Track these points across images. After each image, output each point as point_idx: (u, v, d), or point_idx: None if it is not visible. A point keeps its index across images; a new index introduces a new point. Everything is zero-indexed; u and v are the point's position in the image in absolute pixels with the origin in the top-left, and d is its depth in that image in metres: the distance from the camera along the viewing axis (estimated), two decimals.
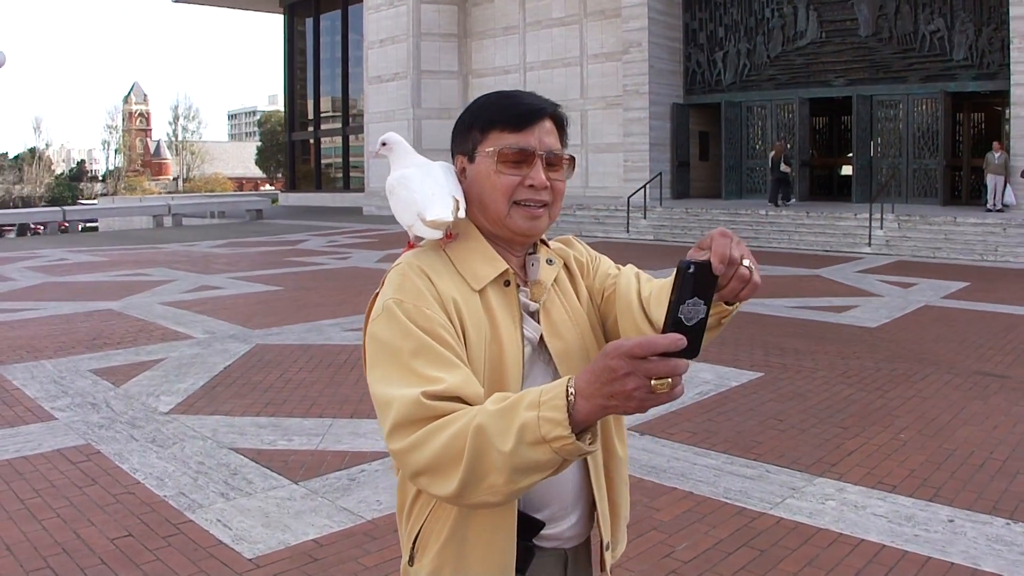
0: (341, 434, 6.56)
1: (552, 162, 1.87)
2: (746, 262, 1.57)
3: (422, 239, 1.88)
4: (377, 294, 1.82)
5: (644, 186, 25.63)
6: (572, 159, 1.93)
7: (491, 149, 1.85)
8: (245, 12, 56.75)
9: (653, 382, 1.35)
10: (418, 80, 36.62)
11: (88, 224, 43.15)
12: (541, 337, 1.88)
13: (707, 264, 1.47)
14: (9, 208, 59.27)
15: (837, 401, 7.47)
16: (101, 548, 4.62)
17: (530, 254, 1.98)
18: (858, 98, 26.29)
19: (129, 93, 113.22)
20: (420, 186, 1.88)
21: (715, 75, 29.59)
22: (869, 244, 20.60)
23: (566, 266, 2.04)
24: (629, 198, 25.28)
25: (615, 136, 31.11)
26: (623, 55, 29.42)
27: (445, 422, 1.54)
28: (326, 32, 48.04)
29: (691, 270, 1.43)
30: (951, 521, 4.88)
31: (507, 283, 1.87)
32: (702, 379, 8.10)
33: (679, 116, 29.64)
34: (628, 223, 25.12)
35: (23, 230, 37.25)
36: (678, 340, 1.35)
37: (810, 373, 8.45)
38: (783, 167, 25.19)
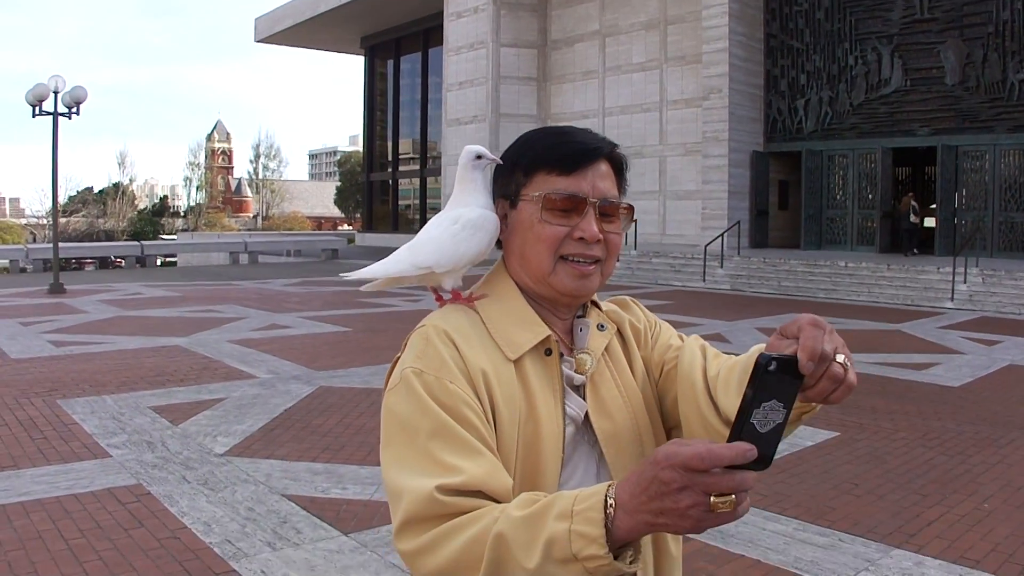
0: None
1: (607, 211, 1.62)
2: (840, 357, 1.27)
3: (446, 293, 1.66)
4: (398, 358, 1.58)
5: (722, 234, 25.36)
6: (630, 208, 1.67)
7: (536, 194, 1.61)
8: (327, 53, 57.51)
9: (713, 499, 1.11)
10: (496, 123, 36.63)
11: (167, 259, 43.83)
12: (586, 415, 1.61)
13: (792, 360, 1.21)
14: (92, 241, 60.33)
15: (917, 465, 7.10)
16: None
17: (578, 317, 1.72)
18: (943, 148, 25.72)
19: (212, 131, 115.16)
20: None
21: (796, 123, 29.20)
22: (952, 299, 19.97)
23: (620, 333, 1.76)
24: (706, 246, 25.00)
25: (694, 183, 30.82)
26: (703, 101, 29.16)
27: (461, 523, 1.31)
28: (406, 74, 48.48)
29: (772, 367, 1.17)
30: None
31: (548, 352, 1.62)
32: None
33: (759, 164, 29.27)
34: (705, 272, 24.80)
35: (105, 263, 37.92)
36: (747, 451, 1.11)
37: (889, 434, 8.08)
38: (913, 218, 25.57)
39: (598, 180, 1.62)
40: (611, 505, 1.18)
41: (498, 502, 1.34)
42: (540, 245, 1.60)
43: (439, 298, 1.68)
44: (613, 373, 1.69)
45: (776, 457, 1.13)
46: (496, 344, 1.58)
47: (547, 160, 1.62)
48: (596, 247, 1.61)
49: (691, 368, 1.63)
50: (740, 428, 1.14)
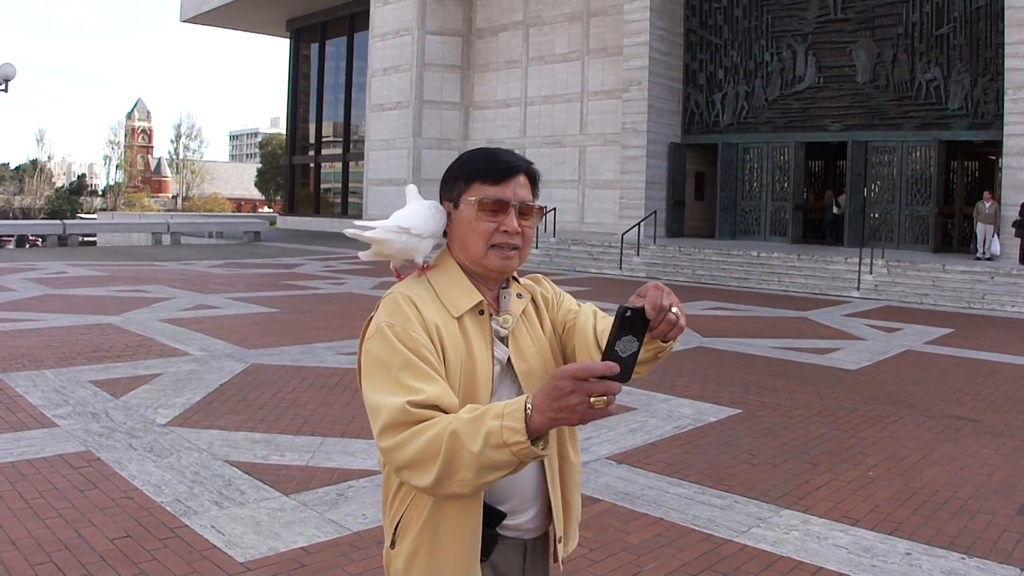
0: (331, 452, 6.83)
1: (524, 211, 2.20)
2: (674, 310, 1.91)
3: (407, 266, 2.26)
4: (372, 317, 2.14)
5: (639, 224, 25.90)
6: (541, 208, 2.27)
7: (473, 199, 2.17)
8: (251, 34, 57.17)
9: (592, 399, 1.69)
10: (420, 110, 37.00)
11: (86, 238, 43.21)
12: (509, 359, 2.20)
13: (641, 309, 1.83)
14: (8, 219, 59.28)
15: (811, 439, 7.73)
16: (101, 547, 4.89)
17: (503, 288, 2.31)
18: (853, 143, 26.71)
19: (133, 109, 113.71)
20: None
21: (713, 116, 30.00)
22: (858, 288, 20.89)
23: (533, 300, 2.36)
24: (623, 235, 25.49)
25: (612, 173, 31.50)
26: (623, 93, 29.82)
27: (426, 426, 1.87)
28: (331, 58, 48.46)
29: (627, 314, 1.79)
30: (908, 554, 5.13)
31: (482, 312, 2.20)
32: (681, 413, 8.37)
33: (676, 155, 30.02)
34: (621, 260, 25.41)
35: (21, 241, 37.45)
36: (612, 367, 1.70)
37: (787, 411, 8.72)
38: (836, 210, 28.06)
39: (518, 189, 2.20)
40: (529, 408, 1.77)
41: (448, 414, 1.90)
42: (476, 236, 2.17)
43: (399, 275, 2.27)
44: (528, 329, 2.29)
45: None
46: (444, 306, 2.14)
47: (481, 173, 2.19)
48: (516, 237, 2.18)
49: (584, 326, 2.29)
50: (608, 353, 1.75)
